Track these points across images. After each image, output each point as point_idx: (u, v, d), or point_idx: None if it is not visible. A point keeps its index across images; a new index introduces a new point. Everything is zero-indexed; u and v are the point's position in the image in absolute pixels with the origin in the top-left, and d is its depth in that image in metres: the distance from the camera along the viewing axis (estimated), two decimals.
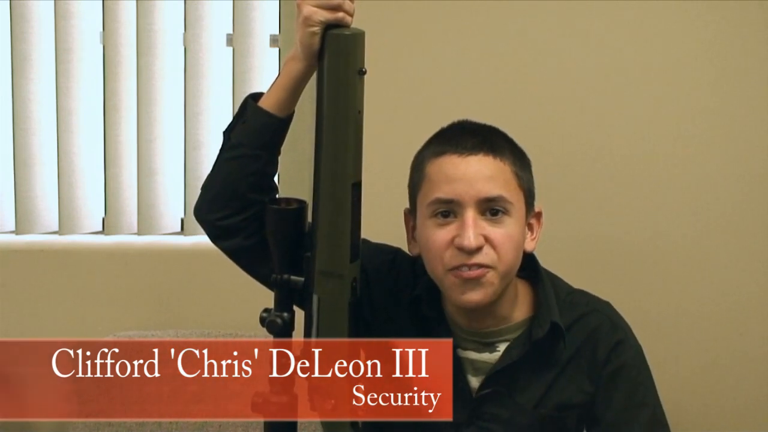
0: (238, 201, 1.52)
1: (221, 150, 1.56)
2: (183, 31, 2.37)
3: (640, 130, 2.32)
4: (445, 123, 1.63)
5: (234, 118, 1.55)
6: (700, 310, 2.37)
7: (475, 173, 1.50)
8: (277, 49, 2.38)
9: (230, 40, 2.38)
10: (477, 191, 1.50)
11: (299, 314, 1.49)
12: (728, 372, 2.39)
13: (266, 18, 2.36)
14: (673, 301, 2.36)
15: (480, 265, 1.49)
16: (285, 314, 1.47)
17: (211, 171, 1.57)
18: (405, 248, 1.69)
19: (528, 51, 2.30)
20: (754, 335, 2.38)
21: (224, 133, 1.56)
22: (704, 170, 2.34)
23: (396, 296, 1.65)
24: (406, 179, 1.60)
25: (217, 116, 2.40)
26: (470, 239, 1.48)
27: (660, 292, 2.35)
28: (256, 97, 1.53)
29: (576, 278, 1.72)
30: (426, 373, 1.61)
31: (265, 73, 2.37)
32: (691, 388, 2.37)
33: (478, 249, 1.49)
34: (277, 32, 2.38)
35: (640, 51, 2.30)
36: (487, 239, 1.50)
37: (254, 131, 1.51)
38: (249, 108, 1.52)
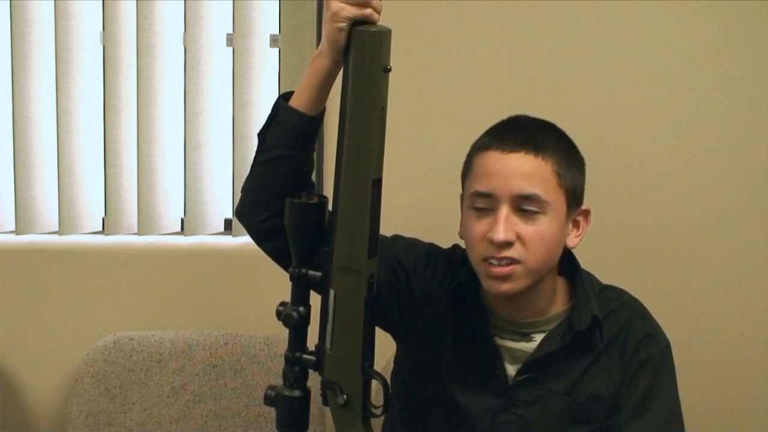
0: (278, 201, 1.54)
1: (257, 152, 1.58)
2: (183, 31, 2.37)
3: (649, 127, 2.33)
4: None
5: (267, 119, 1.56)
6: (699, 310, 2.37)
7: (513, 170, 1.55)
8: (277, 49, 2.38)
9: (230, 40, 2.38)
10: (512, 188, 1.55)
11: (315, 309, 1.50)
12: (728, 372, 2.39)
13: (266, 18, 2.36)
14: (672, 302, 2.36)
15: (509, 260, 1.55)
16: (301, 308, 1.48)
17: (249, 173, 1.59)
18: (436, 241, 1.74)
19: (547, 51, 2.31)
20: (754, 335, 2.38)
21: (259, 135, 1.58)
22: (705, 169, 2.34)
23: (435, 287, 1.70)
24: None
25: (217, 116, 2.40)
26: (500, 233, 1.53)
27: (659, 292, 2.35)
28: (286, 96, 1.55)
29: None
30: (463, 362, 1.66)
31: (265, 73, 2.37)
32: (690, 387, 2.36)
33: (508, 244, 1.54)
34: (277, 32, 2.38)
35: (660, 47, 2.31)
36: (518, 236, 1.55)
37: (288, 131, 1.53)
38: (281, 109, 1.54)
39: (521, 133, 1.59)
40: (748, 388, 2.39)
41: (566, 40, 2.31)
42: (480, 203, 1.57)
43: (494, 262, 1.55)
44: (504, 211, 1.54)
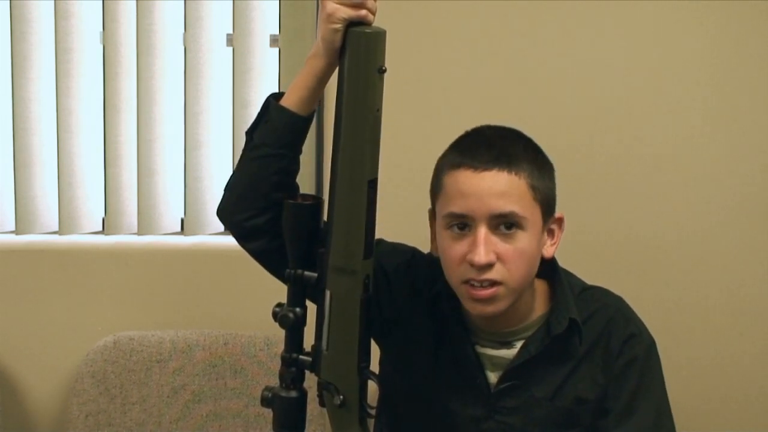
0: (263, 200, 1.54)
1: (244, 150, 1.57)
2: (183, 31, 2.37)
3: (648, 130, 2.32)
4: (462, 123, 1.64)
5: (256, 117, 1.56)
6: (699, 310, 2.37)
7: (488, 189, 1.51)
8: (277, 49, 2.38)
9: (230, 40, 2.37)
10: (489, 207, 1.51)
11: (311, 309, 1.50)
12: (728, 372, 2.38)
13: (266, 18, 2.36)
14: (672, 302, 2.36)
15: (491, 282, 1.52)
16: (297, 309, 1.48)
17: (235, 171, 1.59)
18: (422, 247, 1.71)
19: (543, 52, 2.31)
20: (754, 335, 2.38)
21: (247, 133, 1.57)
22: (705, 169, 2.34)
23: (415, 294, 1.68)
24: (422, 178, 1.61)
25: (217, 116, 2.40)
26: (481, 255, 1.50)
27: (659, 292, 2.35)
28: (277, 96, 1.54)
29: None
30: (445, 370, 1.65)
31: (265, 73, 2.37)
32: (690, 387, 2.36)
33: (489, 266, 1.51)
34: (277, 32, 2.38)
35: (659, 50, 2.31)
36: (498, 255, 1.51)
37: (277, 130, 1.52)
38: (271, 107, 1.53)
39: (491, 147, 1.54)
40: (747, 388, 2.39)
41: (563, 41, 2.30)
42: (456, 225, 1.53)
43: (476, 284, 1.52)
44: (482, 232, 1.51)
